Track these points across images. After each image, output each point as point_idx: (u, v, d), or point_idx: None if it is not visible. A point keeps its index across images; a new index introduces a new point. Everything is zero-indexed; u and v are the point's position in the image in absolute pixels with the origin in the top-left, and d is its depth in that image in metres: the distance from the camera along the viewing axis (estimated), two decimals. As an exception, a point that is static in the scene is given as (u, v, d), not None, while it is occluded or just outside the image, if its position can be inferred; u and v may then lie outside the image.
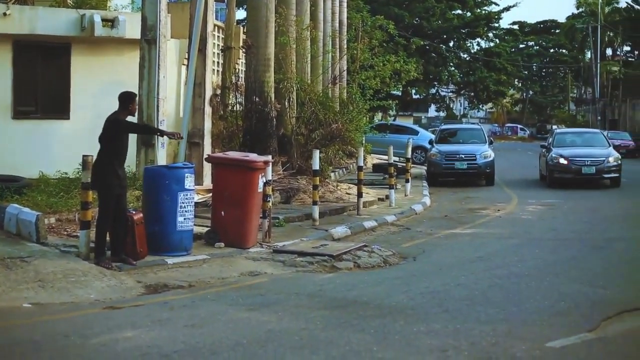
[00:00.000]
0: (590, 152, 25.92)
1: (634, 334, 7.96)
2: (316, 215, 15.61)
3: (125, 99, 11.29)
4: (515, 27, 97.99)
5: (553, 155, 26.02)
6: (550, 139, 28.43)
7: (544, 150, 27.72)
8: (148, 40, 15.62)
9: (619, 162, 25.85)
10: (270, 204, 13.68)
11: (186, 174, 11.82)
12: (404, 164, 23.83)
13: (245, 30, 21.53)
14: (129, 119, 11.46)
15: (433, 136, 33.04)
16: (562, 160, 25.52)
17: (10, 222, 12.44)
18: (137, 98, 11.50)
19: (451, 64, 65.36)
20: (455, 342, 7.43)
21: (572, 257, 12.62)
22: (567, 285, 10.23)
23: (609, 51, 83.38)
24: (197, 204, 13.87)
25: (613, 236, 14.89)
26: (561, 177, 25.60)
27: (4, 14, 17.83)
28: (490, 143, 29.56)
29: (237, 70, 23.16)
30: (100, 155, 10.97)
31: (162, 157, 15.51)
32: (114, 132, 10.98)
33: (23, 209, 12.48)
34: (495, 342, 7.42)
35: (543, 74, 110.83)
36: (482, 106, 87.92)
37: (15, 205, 12.85)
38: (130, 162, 15.13)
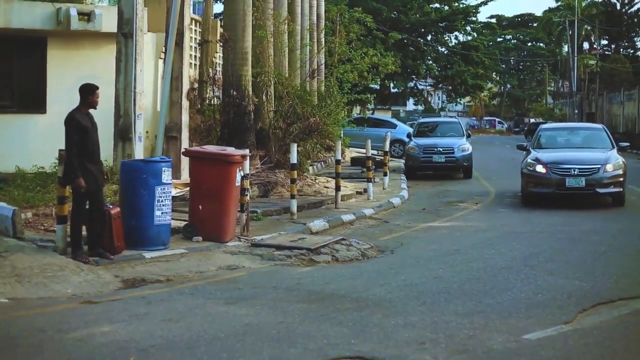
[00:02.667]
0: (580, 156, 19.17)
1: (609, 326, 8.00)
2: (294, 208, 15.61)
3: (85, 91, 11.11)
4: (493, 20, 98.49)
5: (529, 160, 19.42)
6: (533, 138, 21.93)
7: (524, 153, 20.97)
8: (125, 34, 15.53)
9: (623, 170, 18.82)
10: (248, 197, 13.67)
11: (163, 168, 11.80)
12: (382, 158, 23.87)
13: (222, 24, 21.50)
14: (92, 111, 11.25)
15: (411, 129, 33.14)
16: (539, 168, 18.84)
17: (-14, 217, 12.37)
18: (97, 90, 11.20)
19: (429, 57, 65.37)
20: (432, 334, 7.46)
21: (549, 249, 12.69)
22: (544, 277, 10.29)
23: (586, 45, 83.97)
24: (174, 198, 13.84)
25: (589, 229, 14.97)
26: (538, 192, 19.04)
27: (-21, 7, 17.72)
28: (468, 136, 29.72)
29: (214, 64, 23.10)
30: (69, 160, 10.82)
31: (139, 151, 15.44)
32: (67, 130, 10.85)
33: (-1, 204, 12.41)
34: (473, 335, 7.45)
35: (521, 67, 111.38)
36: (460, 100, 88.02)
37: (-9, 200, 12.79)
38: (108, 156, 15.11)
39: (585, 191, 18.51)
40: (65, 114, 10.96)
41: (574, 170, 18.39)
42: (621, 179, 18.70)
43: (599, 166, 18.48)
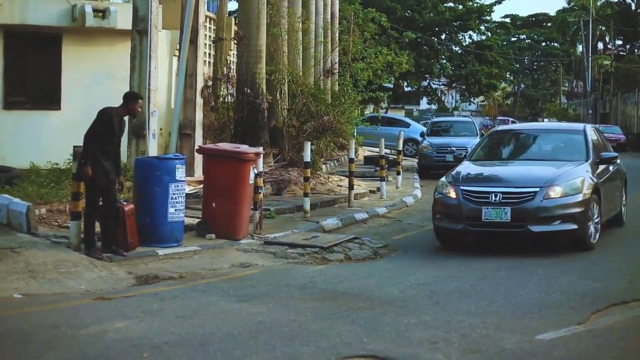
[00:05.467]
0: (509, 172, 13.16)
1: (622, 326, 7.97)
2: (307, 207, 15.60)
3: (128, 97, 11.40)
4: (507, 20, 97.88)
5: (443, 179, 13.14)
6: (476, 145, 15.79)
7: None
8: (139, 31, 15.56)
9: (585, 196, 12.21)
10: (261, 195, 13.68)
11: (177, 165, 11.82)
12: (395, 157, 23.83)
13: (236, 22, 21.49)
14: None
15: (424, 129, 33.09)
16: (451, 193, 12.46)
17: (0, 213, 12.40)
18: (140, 100, 11.48)
19: (443, 56, 65.16)
20: (445, 334, 7.44)
21: (562, 249, 12.63)
22: (557, 278, 10.26)
23: (600, 45, 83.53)
24: (188, 195, 13.86)
25: (604, 229, 14.89)
26: (445, 228, 12.70)
27: (-5, 4, 17.79)
28: (482, 136, 29.60)
29: (228, 61, 23.09)
30: (84, 147, 10.86)
31: (153, 148, 15.47)
32: (97, 119, 10.90)
33: (14, 200, 12.43)
34: (485, 334, 7.43)
35: (535, 67, 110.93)
36: (474, 99, 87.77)
37: (5, 196, 12.80)
38: (122, 153, 15.11)
39: (511, 229, 12.02)
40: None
41: (495, 196, 11.96)
42: (577, 210, 12.06)
43: (537, 189, 11.96)
